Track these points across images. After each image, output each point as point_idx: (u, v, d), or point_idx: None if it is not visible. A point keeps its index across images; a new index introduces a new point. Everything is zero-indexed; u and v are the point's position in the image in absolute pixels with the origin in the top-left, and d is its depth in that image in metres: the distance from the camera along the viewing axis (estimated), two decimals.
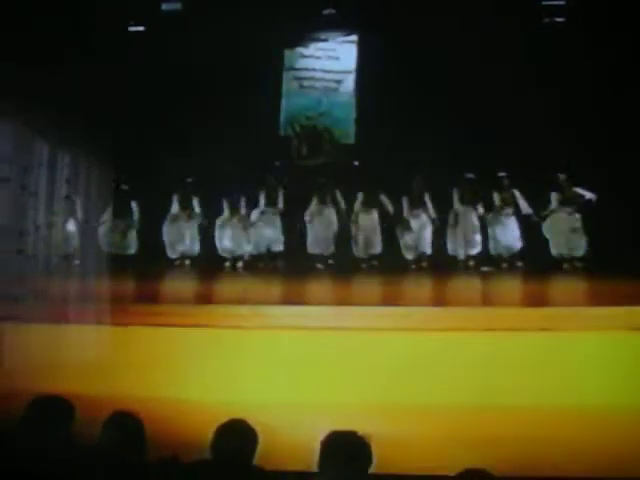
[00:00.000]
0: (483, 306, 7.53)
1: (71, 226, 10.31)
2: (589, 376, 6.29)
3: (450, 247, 11.02)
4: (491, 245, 10.91)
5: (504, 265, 10.74)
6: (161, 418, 4.71)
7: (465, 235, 10.95)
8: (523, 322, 6.81)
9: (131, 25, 11.88)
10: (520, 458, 4.85)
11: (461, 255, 10.93)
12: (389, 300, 8.56)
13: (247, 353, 6.65)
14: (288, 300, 8.51)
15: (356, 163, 12.46)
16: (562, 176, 10.73)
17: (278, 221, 11.25)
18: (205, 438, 3.32)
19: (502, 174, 10.97)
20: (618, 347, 6.47)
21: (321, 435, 3.00)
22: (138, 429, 3.36)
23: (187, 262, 11.28)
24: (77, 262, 10.04)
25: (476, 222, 10.95)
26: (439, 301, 8.62)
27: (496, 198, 10.97)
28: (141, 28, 11.95)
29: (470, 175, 11.00)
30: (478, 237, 10.92)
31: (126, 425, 3.36)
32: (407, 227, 11.03)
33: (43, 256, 8.07)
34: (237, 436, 3.34)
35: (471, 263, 10.83)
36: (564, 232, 10.64)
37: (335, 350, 6.57)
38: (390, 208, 10.97)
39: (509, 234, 10.88)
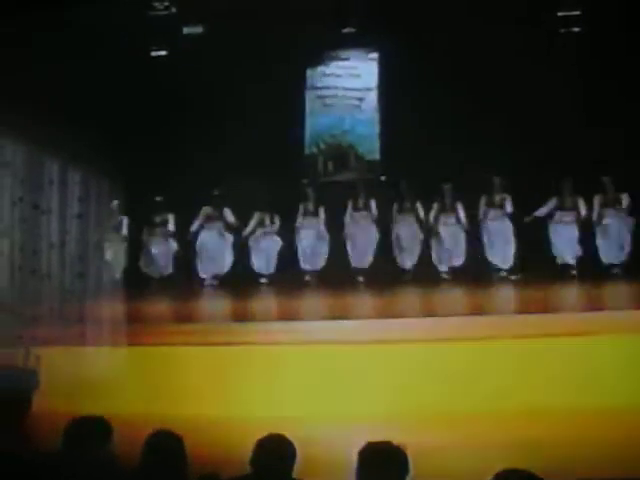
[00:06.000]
0: (514, 314, 7.55)
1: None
2: (619, 378, 6.35)
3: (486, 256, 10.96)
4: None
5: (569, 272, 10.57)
6: (201, 435, 4.75)
7: (501, 244, 10.92)
8: (551, 328, 6.84)
9: (153, 49, 12.01)
10: (554, 461, 4.83)
11: (497, 264, 10.84)
12: (423, 312, 8.60)
13: (282, 368, 6.69)
14: (324, 315, 8.54)
15: (383, 178, 12.53)
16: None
17: (320, 237, 11.37)
18: (245, 454, 3.32)
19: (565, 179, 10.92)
20: None
21: (358, 446, 3.00)
22: (178, 447, 3.35)
23: (215, 282, 11.32)
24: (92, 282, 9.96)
25: (509, 232, 10.91)
26: (472, 311, 8.60)
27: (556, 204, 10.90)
28: (163, 52, 12.08)
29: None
30: (511, 247, 10.86)
31: (166, 444, 3.36)
32: (439, 237, 11.06)
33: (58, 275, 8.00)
34: (275, 450, 3.33)
35: (504, 273, 10.72)
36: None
37: (368, 363, 6.60)
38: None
39: (566, 241, 10.76)
